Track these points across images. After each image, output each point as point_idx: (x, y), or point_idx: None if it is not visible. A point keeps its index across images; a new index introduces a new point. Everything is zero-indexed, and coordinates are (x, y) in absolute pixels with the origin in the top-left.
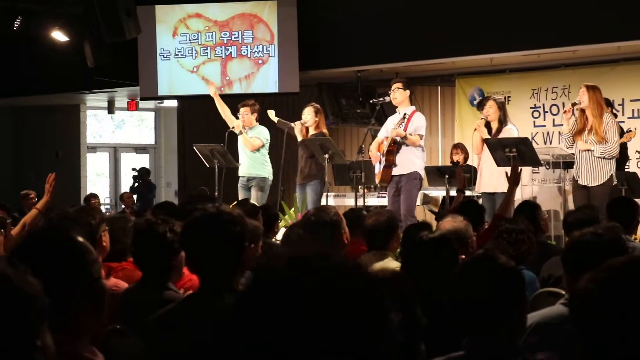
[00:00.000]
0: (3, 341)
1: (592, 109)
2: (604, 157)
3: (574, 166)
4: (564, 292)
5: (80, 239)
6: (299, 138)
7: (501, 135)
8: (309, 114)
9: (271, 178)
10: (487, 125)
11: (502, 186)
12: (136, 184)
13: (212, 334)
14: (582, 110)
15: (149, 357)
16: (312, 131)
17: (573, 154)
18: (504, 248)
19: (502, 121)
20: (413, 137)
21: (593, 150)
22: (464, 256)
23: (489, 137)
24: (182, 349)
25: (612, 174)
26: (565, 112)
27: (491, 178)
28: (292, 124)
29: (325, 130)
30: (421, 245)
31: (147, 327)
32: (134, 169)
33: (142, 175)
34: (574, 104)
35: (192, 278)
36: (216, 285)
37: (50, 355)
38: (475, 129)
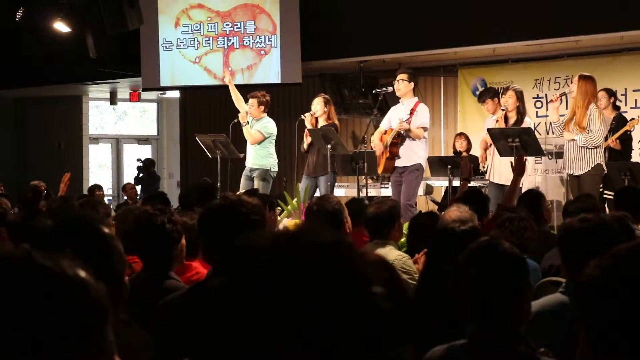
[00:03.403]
0: (62, 350)
1: (577, 99)
2: (586, 147)
3: (563, 155)
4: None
5: (106, 229)
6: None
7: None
8: (318, 105)
9: (275, 169)
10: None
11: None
12: (140, 175)
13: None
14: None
15: (157, 342)
16: (322, 122)
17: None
18: (507, 237)
19: (522, 112)
20: (417, 130)
21: (576, 140)
22: None
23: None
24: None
25: (599, 163)
26: (551, 101)
27: (503, 169)
28: (303, 116)
29: (336, 121)
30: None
31: (157, 313)
32: (139, 160)
33: (146, 166)
34: (562, 94)
35: (200, 272)
36: None
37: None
38: (497, 121)
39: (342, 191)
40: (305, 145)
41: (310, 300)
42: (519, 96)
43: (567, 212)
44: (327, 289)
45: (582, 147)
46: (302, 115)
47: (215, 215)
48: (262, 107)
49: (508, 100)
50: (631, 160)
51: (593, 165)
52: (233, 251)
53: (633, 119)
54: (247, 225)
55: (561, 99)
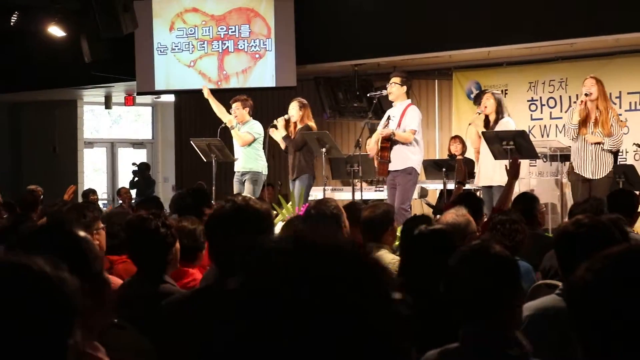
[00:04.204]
0: (39, 341)
1: (601, 102)
2: (611, 150)
3: (575, 158)
4: (560, 284)
5: (81, 233)
6: (283, 133)
7: (497, 128)
8: (293, 109)
9: (265, 172)
10: (486, 118)
11: (499, 179)
12: (135, 179)
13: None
14: (585, 102)
15: (158, 343)
16: (298, 125)
17: (570, 147)
18: (499, 239)
19: (500, 112)
20: (404, 134)
21: (603, 143)
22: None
23: (484, 130)
24: (194, 338)
25: (613, 167)
26: (582, 102)
27: (488, 171)
28: (275, 121)
29: (310, 123)
30: (419, 238)
31: (160, 313)
32: (134, 164)
33: (141, 170)
34: (586, 95)
35: (197, 278)
36: None
37: (77, 351)
38: (470, 124)
39: (336, 195)
40: (282, 146)
41: (332, 305)
42: (496, 99)
43: (572, 215)
44: (350, 295)
45: (607, 150)
46: (274, 121)
47: (224, 219)
48: (247, 110)
49: (486, 102)
50: (623, 162)
51: (610, 170)
52: (253, 253)
53: (620, 121)
54: (255, 229)
55: (586, 102)
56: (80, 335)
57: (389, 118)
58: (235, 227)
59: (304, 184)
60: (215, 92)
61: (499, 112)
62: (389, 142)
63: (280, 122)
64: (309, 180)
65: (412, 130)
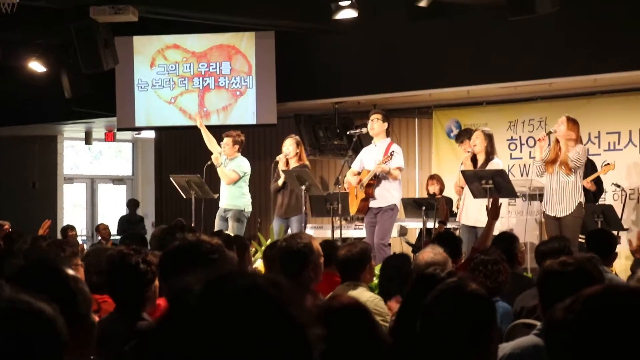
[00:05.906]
0: None
1: (566, 142)
2: (575, 165)
3: (544, 197)
4: (538, 323)
5: (70, 272)
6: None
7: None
8: (290, 146)
9: (249, 210)
10: (473, 157)
11: (484, 220)
12: (123, 215)
13: None
14: (557, 141)
15: None
16: (293, 163)
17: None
18: (481, 281)
19: (490, 153)
20: (395, 171)
21: (567, 176)
22: None
23: (468, 169)
24: None
25: (580, 202)
26: (539, 139)
27: (473, 211)
28: (278, 158)
29: (307, 162)
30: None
31: (125, 356)
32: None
33: (130, 207)
34: (549, 133)
35: None
36: None
37: None
38: (462, 163)
39: (316, 232)
40: (280, 182)
41: (236, 346)
42: (487, 137)
43: (539, 252)
44: (255, 335)
45: (563, 188)
46: (277, 158)
47: (174, 256)
48: (237, 147)
49: (475, 140)
50: (602, 202)
51: (576, 206)
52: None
53: (608, 164)
54: (205, 265)
55: (549, 138)
56: None
57: (390, 155)
58: (185, 264)
59: (302, 223)
60: (195, 129)
61: (490, 152)
62: (375, 179)
63: (282, 159)
64: (305, 219)
65: (398, 168)
